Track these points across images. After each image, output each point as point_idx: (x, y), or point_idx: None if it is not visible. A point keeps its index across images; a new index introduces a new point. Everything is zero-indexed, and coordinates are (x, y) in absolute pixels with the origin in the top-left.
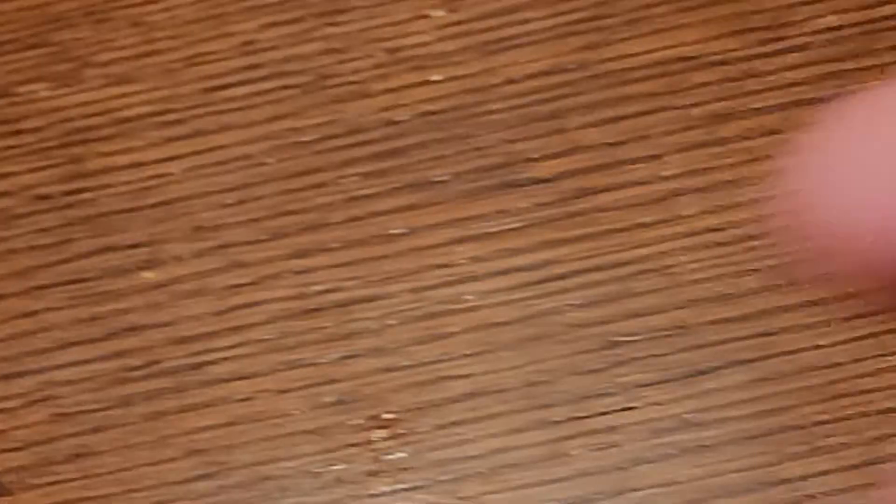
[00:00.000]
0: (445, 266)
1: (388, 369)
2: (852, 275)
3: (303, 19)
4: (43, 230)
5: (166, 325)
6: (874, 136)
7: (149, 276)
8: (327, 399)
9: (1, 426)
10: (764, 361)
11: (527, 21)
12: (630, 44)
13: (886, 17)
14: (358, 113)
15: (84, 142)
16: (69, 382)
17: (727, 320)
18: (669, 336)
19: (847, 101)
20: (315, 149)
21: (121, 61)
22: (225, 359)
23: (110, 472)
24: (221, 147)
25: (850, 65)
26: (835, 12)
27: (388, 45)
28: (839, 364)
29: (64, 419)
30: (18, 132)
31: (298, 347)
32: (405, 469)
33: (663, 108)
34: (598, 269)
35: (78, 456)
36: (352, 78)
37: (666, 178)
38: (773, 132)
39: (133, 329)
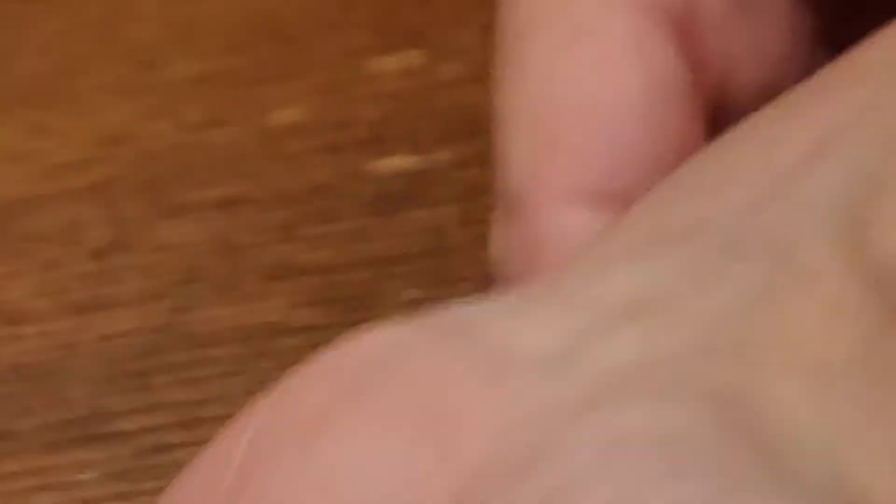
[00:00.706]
0: None
1: None
2: None
3: None
4: None
5: None
6: None
7: None
8: None
9: None
10: None
11: (120, 283)
12: (218, 309)
13: (464, 294)
14: None
15: None
16: None
17: None
18: None
19: None
20: None
21: None
22: None
23: None
24: None
25: None
26: (417, 286)
27: None
28: None
29: None
30: None
31: None
32: None
33: (246, 371)
34: None
35: None
36: None
37: None
38: None
39: None
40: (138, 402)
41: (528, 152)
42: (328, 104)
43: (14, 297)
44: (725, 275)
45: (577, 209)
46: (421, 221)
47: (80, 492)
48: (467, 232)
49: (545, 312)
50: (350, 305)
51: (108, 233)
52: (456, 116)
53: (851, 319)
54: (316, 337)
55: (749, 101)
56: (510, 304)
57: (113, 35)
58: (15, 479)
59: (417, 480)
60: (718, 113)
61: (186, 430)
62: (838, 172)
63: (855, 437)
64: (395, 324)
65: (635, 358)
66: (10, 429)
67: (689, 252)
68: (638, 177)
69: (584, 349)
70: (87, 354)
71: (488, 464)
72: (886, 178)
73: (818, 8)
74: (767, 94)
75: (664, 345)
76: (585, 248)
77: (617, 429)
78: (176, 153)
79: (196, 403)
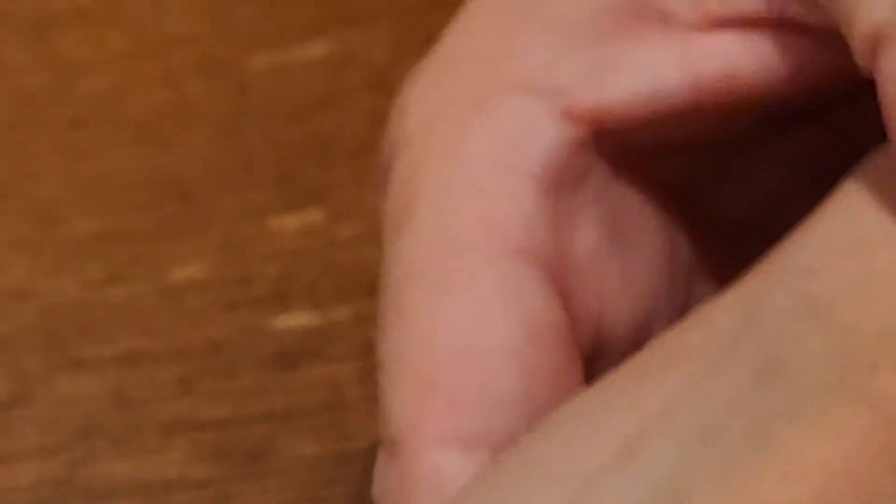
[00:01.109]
0: None
1: None
2: None
3: None
4: None
5: None
6: None
7: None
8: None
9: None
10: None
11: (19, 436)
12: (116, 462)
13: (360, 449)
14: None
15: None
16: None
17: None
18: None
19: None
20: None
21: None
22: None
23: None
24: None
25: (325, 491)
26: (314, 441)
27: None
28: None
29: None
30: None
31: None
32: None
33: None
34: None
35: None
36: None
37: None
38: None
39: None
40: None
41: (406, 397)
42: (228, 261)
43: None
44: None
45: (451, 453)
46: (319, 378)
47: None
48: (365, 389)
49: None
50: (246, 460)
51: (8, 386)
52: (355, 274)
53: None
54: (212, 491)
55: (625, 337)
56: None
57: (16, 192)
58: None
59: None
60: (595, 349)
61: None
62: (642, 477)
63: None
64: None
65: None
66: None
67: None
68: (512, 420)
69: None
70: None
71: None
72: (687, 483)
73: (695, 242)
74: (643, 329)
75: None
76: None
77: None
78: (77, 308)
79: None
